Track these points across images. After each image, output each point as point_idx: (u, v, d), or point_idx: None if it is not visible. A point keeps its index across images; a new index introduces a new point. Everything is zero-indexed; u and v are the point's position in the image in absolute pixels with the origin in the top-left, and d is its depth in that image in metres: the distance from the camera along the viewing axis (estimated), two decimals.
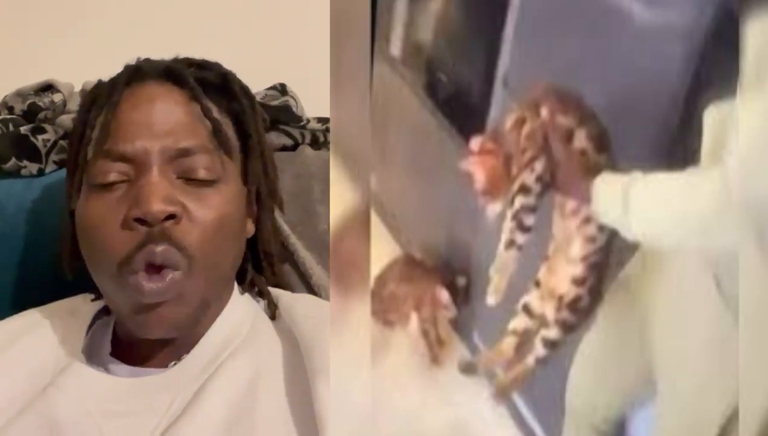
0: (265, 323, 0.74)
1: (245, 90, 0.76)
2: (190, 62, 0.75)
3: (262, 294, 0.77)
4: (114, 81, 0.72)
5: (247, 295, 0.77)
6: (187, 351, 0.69)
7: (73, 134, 0.75)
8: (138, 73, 0.71)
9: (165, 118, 0.68)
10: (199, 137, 0.69)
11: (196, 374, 0.68)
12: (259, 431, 0.64)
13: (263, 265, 0.78)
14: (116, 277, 0.66)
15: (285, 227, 0.86)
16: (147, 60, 0.74)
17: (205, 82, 0.72)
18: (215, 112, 0.71)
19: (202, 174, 0.68)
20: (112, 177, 0.67)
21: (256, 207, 0.75)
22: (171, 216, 0.65)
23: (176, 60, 0.74)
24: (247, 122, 0.74)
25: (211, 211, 0.67)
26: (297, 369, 0.67)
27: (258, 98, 0.94)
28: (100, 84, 0.74)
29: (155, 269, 0.65)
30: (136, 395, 0.67)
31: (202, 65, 0.75)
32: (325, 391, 0.63)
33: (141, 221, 0.65)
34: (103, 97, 0.70)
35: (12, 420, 0.65)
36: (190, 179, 0.68)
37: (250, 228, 0.75)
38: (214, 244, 0.67)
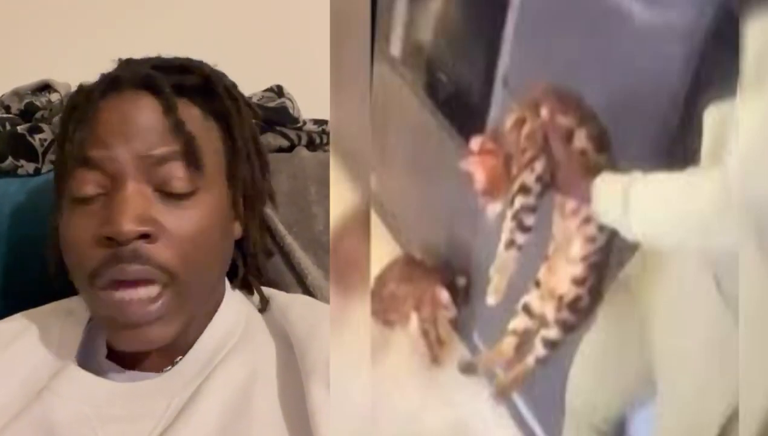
0: (259, 322, 0.74)
1: (230, 91, 0.74)
2: (172, 65, 0.72)
3: (252, 291, 0.77)
4: (90, 93, 0.70)
5: (238, 292, 0.76)
6: (183, 354, 0.69)
7: (56, 146, 0.74)
8: (114, 84, 0.70)
9: (139, 127, 0.67)
10: (173, 145, 0.67)
11: (191, 377, 0.67)
12: (255, 432, 0.64)
13: (247, 264, 0.78)
14: (89, 289, 0.66)
15: (281, 228, 0.86)
16: (127, 64, 0.73)
17: (187, 87, 0.70)
18: (195, 120, 0.69)
19: (178, 186, 0.66)
20: (90, 190, 0.66)
21: (243, 209, 0.74)
22: (144, 235, 0.64)
23: (158, 64, 0.72)
24: (232, 124, 0.72)
25: (189, 225, 0.66)
26: (291, 370, 0.67)
27: (255, 100, 0.94)
28: (79, 92, 0.72)
29: (130, 284, 0.64)
30: (132, 399, 0.67)
31: (185, 68, 0.72)
32: (318, 391, 0.63)
33: (111, 239, 0.64)
34: (80, 110, 0.69)
35: (8, 424, 0.64)
36: (167, 192, 0.66)
37: (238, 230, 0.74)
38: (194, 259, 0.66)
